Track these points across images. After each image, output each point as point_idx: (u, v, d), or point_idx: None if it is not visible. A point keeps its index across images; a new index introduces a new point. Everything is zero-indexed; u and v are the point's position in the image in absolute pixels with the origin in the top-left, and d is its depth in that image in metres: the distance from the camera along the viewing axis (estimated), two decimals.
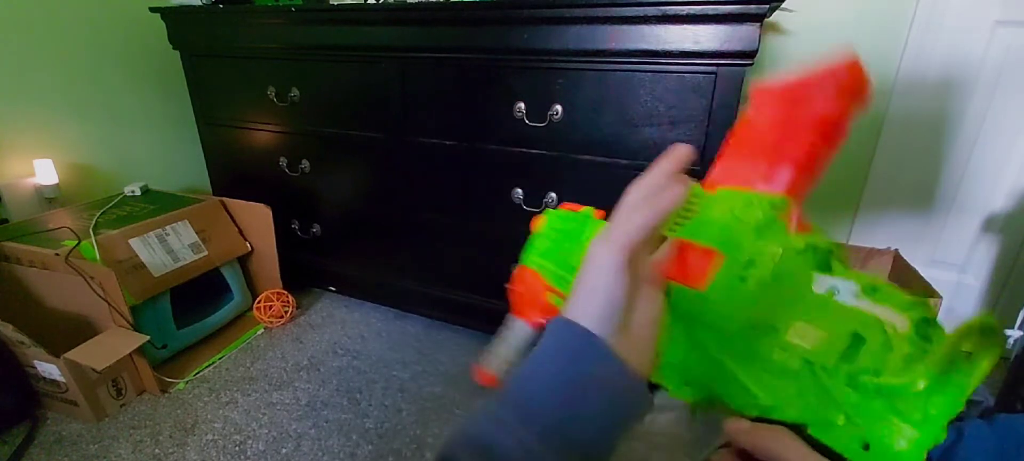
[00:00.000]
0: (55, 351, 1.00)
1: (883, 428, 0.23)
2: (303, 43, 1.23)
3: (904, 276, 1.21)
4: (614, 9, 0.90)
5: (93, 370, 1.00)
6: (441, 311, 1.38)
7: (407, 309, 1.45)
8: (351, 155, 1.31)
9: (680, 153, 0.31)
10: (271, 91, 1.31)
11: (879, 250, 1.31)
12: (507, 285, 0.42)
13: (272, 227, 1.39)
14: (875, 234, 1.36)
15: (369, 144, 1.26)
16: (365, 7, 1.13)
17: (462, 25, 1.05)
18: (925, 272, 1.15)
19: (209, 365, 1.25)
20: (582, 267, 0.28)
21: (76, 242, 1.07)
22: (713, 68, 0.89)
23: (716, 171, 0.33)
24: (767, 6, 0.81)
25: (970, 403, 0.95)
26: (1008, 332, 1.00)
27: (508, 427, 0.25)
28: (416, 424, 1.08)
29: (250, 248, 1.44)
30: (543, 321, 0.40)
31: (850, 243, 1.39)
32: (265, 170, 1.43)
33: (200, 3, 1.32)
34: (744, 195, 0.30)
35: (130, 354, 1.06)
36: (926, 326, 0.24)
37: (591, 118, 1.02)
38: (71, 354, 0.99)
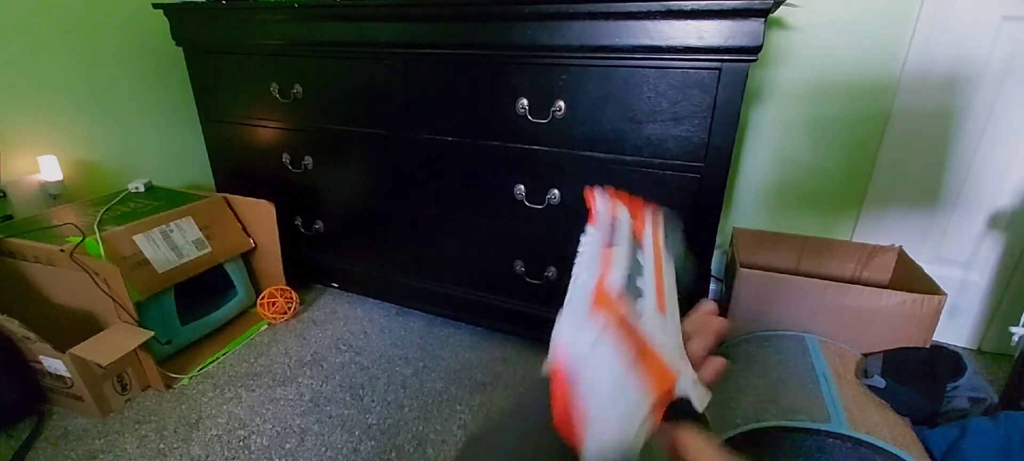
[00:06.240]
0: (60, 347, 1.00)
1: None
2: (306, 39, 1.23)
3: (908, 273, 1.21)
4: (618, 4, 0.90)
5: (98, 365, 1.01)
6: (443, 307, 1.38)
7: (409, 305, 1.45)
8: (354, 152, 1.31)
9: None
10: (274, 87, 1.31)
11: (883, 247, 1.31)
12: None
13: (275, 223, 1.39)
14: (879, 231, 1.36)
15: (372, 141, 1.26)
16: (368, 3, 1.13)
17: (465, 21, 1.04)
18: (929, 269, 1.15)
19: (213, 361, 1.25)
20: None
21: (81, 238, 1.07)
22: (717, 64, 0.89)
23: None
24: (771, 1, 0.80)
25: (975, 400, 0.96)
26: (1013, 329, 1.00)
27: None
28: (418, 420, 1.08)
29: (253, 244, 1.44)
30: None
31: (854, 239, 1.38)
32: (268, 166, 1.43)
33: None
34: None
35: (135, 350, 1.06)
36: None
37: (594, 114, 1.01)
38: (76, 350, 1.00)
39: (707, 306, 0.38)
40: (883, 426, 0.87)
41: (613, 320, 0.30)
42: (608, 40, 0.93)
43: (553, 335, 0.32)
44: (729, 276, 1.32)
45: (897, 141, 1.26)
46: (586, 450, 0.28)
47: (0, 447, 0.99)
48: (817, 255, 1.36)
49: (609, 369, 0.28)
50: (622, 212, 0.42)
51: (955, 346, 1.38)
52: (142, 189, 1.41)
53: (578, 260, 0.37)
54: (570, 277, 0.36)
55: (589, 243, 0.38)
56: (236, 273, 1.41)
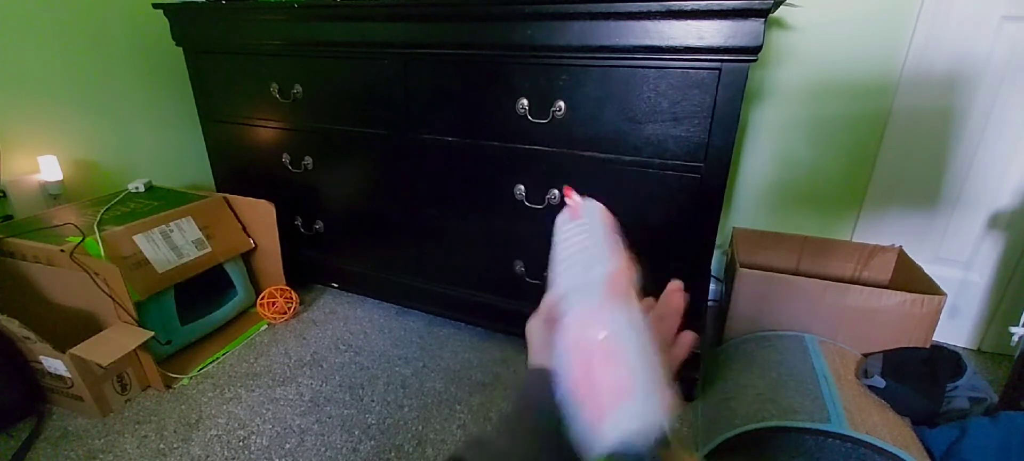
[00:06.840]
0: (61, 347, 1.00)
1: None
2: (306, 39, 1.23)
3: (908, 273, 1.21)
4: (618, 4, 0.90)
5: (98, 365, 1.01)
6: (443, 307, 1.38)
7: (409, 305, 1.45)
8: (354, 152, 1.31)
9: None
10: (274, 87, 1.31)
11: (883, 247, 1.31)
12: None
13: (275, 223, 1.39)
14: (879, 231, 1.36)
15: (372, 141, 1.26)
16: (368, 3, 1.13)
17: (466, 21, 1.04)
18: (929, 269, 1.15)
19: (213, 361, 1.26)
20: None
21: (81, 238, 1.07)
22: (717, 64, 0.89)
23: None
24: (771, 1, 0.80)
25: (975, 400, 0.96)
26: (1013, 329, 1.00)
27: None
28: (418, 420, 1.08)
29: (253, 244, 1.44)
30: None
31: (854, 239, 1.38)
32: (268, 166, 1.43)
33: None
34: None
35: (135, 350, 1.06)
36: None
37: (594, 114, 1.01)
38: (77, 350, 1.00)
39: (672, 284, 0.38)
40: (883, 426, 0.87)
41: (642, 305, 0.34)
42: (608, 40, 0.93)
43: (563, 315, 0.34)
44: (729, 276, 1.32)
45: (897, 141, 1.26)
46: (614, 420, 0.29)
47: (0, 447, 0.99)
48: (817, 255, 1.37)
49: (642, 348, 0.31)
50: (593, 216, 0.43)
51: (955, 346, 1.38)
52: (142, 189, 1.41)
53: (564, 248, 0.38)
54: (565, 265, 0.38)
55: (579, 233, 0.39)
56: (236, 273, 1.41)
